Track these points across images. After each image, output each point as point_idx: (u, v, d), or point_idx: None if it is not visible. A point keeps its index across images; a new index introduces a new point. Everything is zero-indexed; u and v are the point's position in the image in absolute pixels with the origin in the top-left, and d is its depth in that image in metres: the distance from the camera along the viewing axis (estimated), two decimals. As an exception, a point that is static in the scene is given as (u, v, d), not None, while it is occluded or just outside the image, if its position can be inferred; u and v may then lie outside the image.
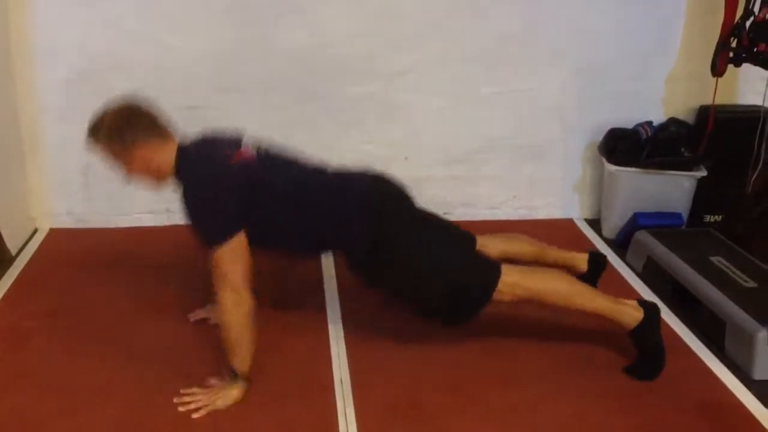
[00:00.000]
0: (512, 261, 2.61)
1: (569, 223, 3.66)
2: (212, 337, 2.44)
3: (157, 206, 3.42)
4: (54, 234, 3.34)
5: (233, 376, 2.18)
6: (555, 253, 2.78)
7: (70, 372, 2.33)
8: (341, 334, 2.59)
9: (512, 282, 2.33)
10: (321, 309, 2.75)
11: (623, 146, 3.36)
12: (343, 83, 3.32)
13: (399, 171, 3.48)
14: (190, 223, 2.23)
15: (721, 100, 3.30)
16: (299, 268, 2.97)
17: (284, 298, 2.78)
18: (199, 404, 2.15)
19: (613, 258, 3.19)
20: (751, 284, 2.72)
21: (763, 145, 3.15)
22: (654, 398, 2.29)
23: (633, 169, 3.34)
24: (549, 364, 2.45)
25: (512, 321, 2.59)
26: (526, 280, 2.36)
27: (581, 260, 2.77)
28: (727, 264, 2.86)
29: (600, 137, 3.47)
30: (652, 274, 3.06)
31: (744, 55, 3.08)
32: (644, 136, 3.33)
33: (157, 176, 2.29)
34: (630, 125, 3.43)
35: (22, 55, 3.11)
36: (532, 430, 2.15)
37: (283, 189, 2.32)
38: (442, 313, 2.43)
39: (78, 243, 3.25)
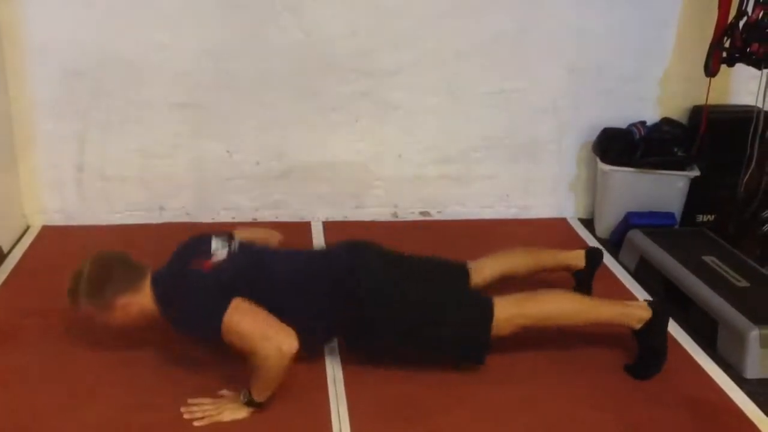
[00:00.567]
0: (510, 278, 2.61)
1: (563, 222, 3.66)
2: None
3: (150, 204, 3.42)
4: (46, 231, 3.33)
5: (249, 401, 2.13)
6: (551, 257, 2.77)
7: (61, 370, 2.33)
8: (334, 332, 2.58)
9: (507, 316, 2.30)
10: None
11: (617, 146, 3.37)
12: (336, 81, 3.31)
13: (392, 169, 3.52)
14: (192, 335, 2.25)
15: (714, 100, 3.31)
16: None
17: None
18: (206, 414, 2.12)
19: (606, 257, 3.17)
20: (744, 284, 2.73)
21: (756, 145, 3.16)
22: (646, 397, 2.29)
23: (626, 168, 3.34)
24: (541, 363, 2.45)
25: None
26: (524, 309, 2.33)
27: (578, 257, 2.76)
28: (720, 263, 2.87)
29: (594, 137, 3.48)
30: (645, 273, 3.06)
31: (737, 55, 3.09)
32: (638, 136, 3.34)
33: (141, 321, 2.27)
34: (624, 125, 3.43)
35: (15, 52, 3.10)
36: (524, 428, 2.15)
37: (260, 284, 2.26)
38: (453, 362, 2.39)
39: (70, 240, 3.24)
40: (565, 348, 2.51)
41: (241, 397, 2.14)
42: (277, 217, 3.48)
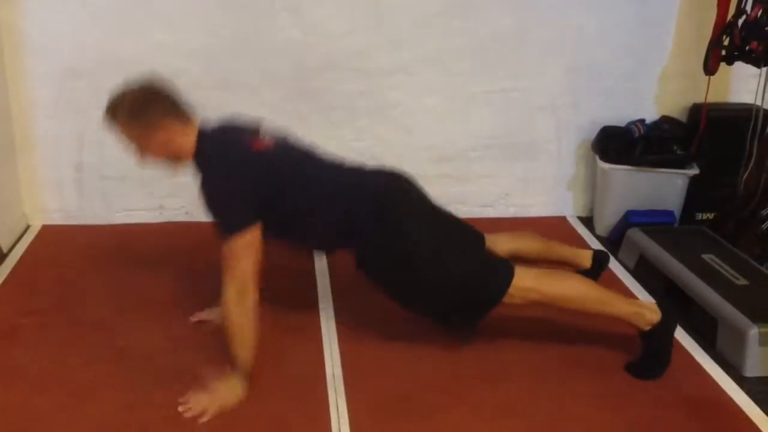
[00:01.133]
0: (519, 258, 2.61)
1: (562, 221, 3.67)
2: (205, 336, 2.45)
3: (150, 203, 3.42)
4: (46, 231, 3.33)
5: (233, 371, 2.15)
6: (560, 250, 2.79)
7: (61, 369, 2.33)
8: (334, 329, 2.59)
9: (526, 287, 2.30)
10: (314, 304, 2.75)
11: (616, 144, 3.37)
12: (335, 81, 3.31)
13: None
14: (207, 209, 2.21)
15: (713, 98, 3.31)
16: (292, 263, 2.96)
17: (277, 293, 2.76)
18: (204, 407, 2.12)
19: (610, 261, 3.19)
20: (743, 282, 2.73)
21: (755, 143, 3.16)
22: (645, 396, 2.29)
23: (626, 167, 3.34)
24: (540, 361, 2.45)
25: (504, 319, 2.58)
26: (543, 284, 2.33)
27: (585, 257, 2.78)
28: (719, 262, 2.87)
29: (593, 135, 3.48)
30: (644, 271, 3.06)
31: (736, 53, 3.09)
32: (637, 134, 3.34)
33: (174, 159, 2.26)
34: (623, 123, 3.44)
35: (14, 51, 3.10)
36: (522, 427, 2.15)
37: (300, 180, 2.30)
38: (450, 313, 2.39)
39: (70, 240, 3.24)
40: (565, 347, 2.51)
41: (228, 371, 2.15)
42: (276, 217, 3.48)
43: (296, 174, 2.31)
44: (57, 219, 3.38)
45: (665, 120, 3.46)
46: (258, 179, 2.20)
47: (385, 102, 3.38)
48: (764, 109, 3.17)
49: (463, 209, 3.56)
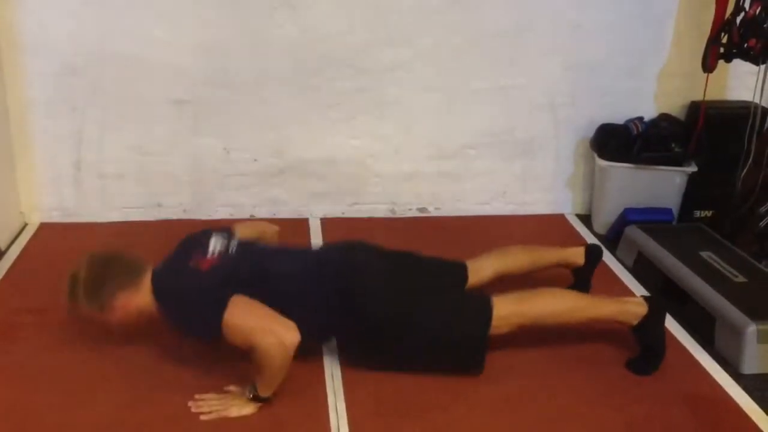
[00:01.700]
0: (509, 276, 2.61)
1: (560, 218, 3.66)
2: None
3: (148, 201, 3.42)
4: (44, 229, 3.33)
5: (255, 396, 2.14)
6: (551, 255, 2.76)
7: (59, 368, 2.32)
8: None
9: (506, 314, 2.29)
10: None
11: (614, 142, 3.37)
12: (333, 78, 3.31)
13: (389, 166, 3.52)
14: (190, 335, 2.24)
15: (711, 96, 3.31)
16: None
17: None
18: (213, 409, 2.13)
19: (603, 253, 3.19)
20: (741, 279, 2.73)
21: (754, 141, 3.16)
22: (643, 392, 2.29)
23: (624, 164, 3.35)
24: (539, 359, 2.45)
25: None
26: (524, 306, 2.33)
27: (578, 254, 2.77)
28: (717, 259, 2.87)
29: (591, 133, 3.48)
30: (642, 269, 3.07)
31: (734, 51, 3.09)
32: (635, 132, 3.34)
33: (141, 319, 2.26)
34: (621, 121, 3.44)
35: (11, 49, 3.09)
36: (520, 425, 2.15)
37: (256, 281, 2.25)
38: (449, 363, 2.36)
39: (68, 238, 3.23)
40: (562, 344, 2.51)
41: (247, 393, 2.14)
42: (274, 214, 3.47)
43: (252, 278, 2.27)
44: (55, 217, 3.38)
45: (663, 118, 3.46)
46: (216, 293, 2.16)
47: (383, 99, 3.38)
48: (762, 107, 3.18)
49: (460, 207, 3.59)
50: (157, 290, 2.22)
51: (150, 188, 3.40)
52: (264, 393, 2.13)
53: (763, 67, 3.05)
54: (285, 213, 3.50)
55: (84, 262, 2.25)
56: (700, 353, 2.53)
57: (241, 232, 2.48)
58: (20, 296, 2.75)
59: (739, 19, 3.05)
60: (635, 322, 2.36)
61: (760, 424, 2.17)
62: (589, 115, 3.49)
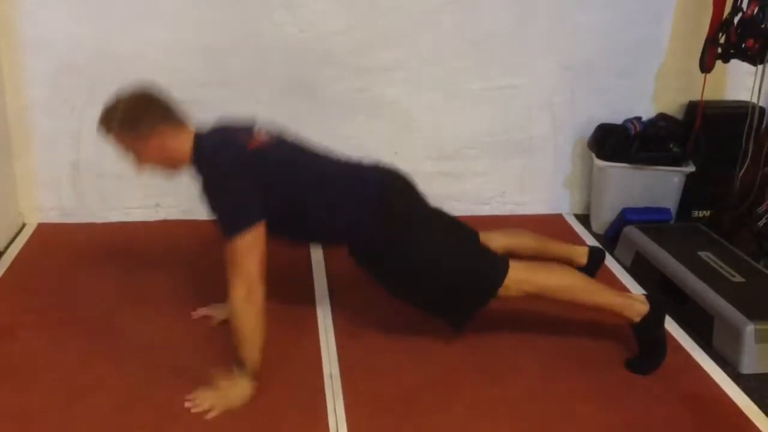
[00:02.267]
0: (513, 255, 2.61)
1: (558, 218, 3.67)
2: (202, 333, 2.44)
3: (146, 201, 3.42)
4: (43, 229, 3.33)
5: (240, 371, 2.15)
6: (555, 247, 2.80)
7: (58, 367, 2.32)
8: (331, 327, 2.59)
9: (520, 278, 2.32)
10: (311, 303, 2.75)
11: (612, 142, 3.37)
12: (332, 78, 3.31)
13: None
14: (210, 211, 2.21)
15: (709, 95, 3.31)
16: (288, 260, 2.95)
17: (273, 291, 2.75)
18: (211, 405, 2.12)
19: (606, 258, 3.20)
20: (739, 279, 2.74)
21: (751, 141, 3.16)
22: (642, 393, 2.30)
23: (622, 164, 3.35)
24: (537, 359, 2.45)
25: (500, 316, 2.59)
26: (535, 275, 2.36)
27: (581, 254, 2.79)
28: (715, 259, 2.87)
29: (589, 133, 3.49)
30: (640, 269, 3.07)
31: (732, 51, 3.10)
32: (633, 132, 3.34)
33: (171, 165, 2.27)
34: (619, 121, 3.44)
35: (10, 48, 3.09)
36: (519, 425, 2.15)
37: (297, 174, 2.29)
38: (446, 306, 2.39)
39: (67, 238, 3.24)
40: (559, 345, 2.52)
41: (235, 371, 2.15)
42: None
43: (293, 168, 2.30)
44: (53, 217, 3.38)
45: (661, 117, 3.46)
46: (256, 176, 2.20)
47: (382, 99, 3.38)
48: (760, 107, 3.18)
49: (459, 206, 3.58)
50: (199, 155, 2.21)
51: (148, 189, 3.40)
52: (250, 364, 2.13)
53: (760, 67, 3.06)
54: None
55: (128, 90, 2.21)
56: (699, 353, 2.53)
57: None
58: (18, 296, 2.74)
59: (737, 19, 3.05)
60: (637, 319, 2.37)
61: (759, 424, 2.18)
62: (587, 114, 3.50)
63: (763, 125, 3.23)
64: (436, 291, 2.36)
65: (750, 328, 2.43)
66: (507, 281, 2.31)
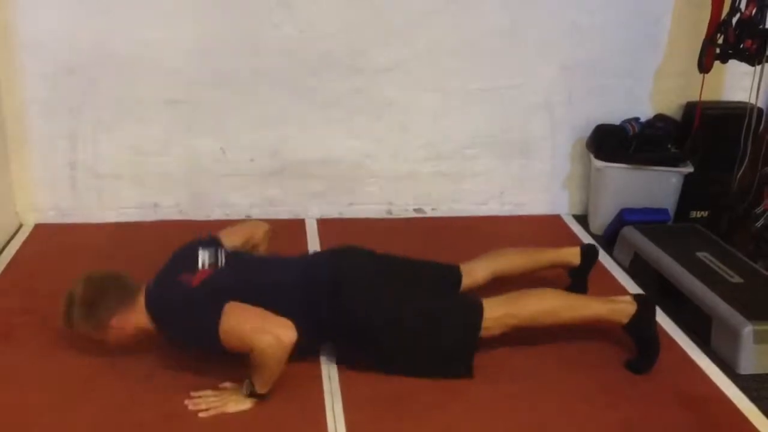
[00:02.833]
0: (504, 278, 2.61)
1: (557, 219, 3.67)
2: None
3: (144, 201, 3.41)
4: (40, 229, 3.32)
5: (252, 393, 2.14)
6: (546, 256, 2.76)
7: (53, 368, 2.32)
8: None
9: (498, 315, 2.31)
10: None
11: (610, 142, 3.37)
12: (330, 78, 3.31)
13: (386, 167, 3.51)
14: (189, 345, 2.26)
15: (707, 96, 3.31)
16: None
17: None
18: (210, 405, 2.13)
19: (600, 254, 3.18)
20: (737, 279, 2.73)
21: (749, 141, 3.16)
22: (640, 393, 2.29)
23: (620, 165, 3.35)
24: (534, 359, 2.45)
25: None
26: (514, 307, 2.34)
27: (574, 255, 2.77)
28: (713, 260, 2.87)
29: (587, 133, 3.49)
30: (639, 269, 3.07)
31: (730, 51, 3.10)
32: (631, 132, 3.34)
33: (138, 337, 2.28)
34: (617, 121, 3.44)
35: (7, 49, 3.08)
36: (517, 425, 2.15)
37: (247, 292, 2.24)
38: (439, 366, 2.34)
39: (64, 238, 3.23)
40: (558, 345, 2.51)
41: (244, 389, 2.15)
42: (271, 215, 3.47)
43: (241, 290, 2.25)
44: (50, 217, 3.37)
45: (659, 118, 3.46)
46: (209, 304, 2.17)
47: (380, 99, 3.38)
48: (758, 108, 3.18)
49: (457, 207, 3.59)
50: (151, 308, 2.23)
51: (146, 188, 3.39)
52: (261, 390, 2.13)
53: (758, 67, 3.05)
54: (282, 213, 3.49)
55: (79, 284, 2.26)
56: (697, 353, 2.53)
57: (229, 240, 2.50)
58: (15, 297, 2.74)
59: (735, 20, 3.05)
60: (626, 321, 2.37)
61: (757, 424, 2.17)
62: (585, 115, 3.49)
63: (761, 126, 3.23)
64: (421, 359, 2.33)
65: (748, 329, 2.43)
66: (485, 323, 2.29)
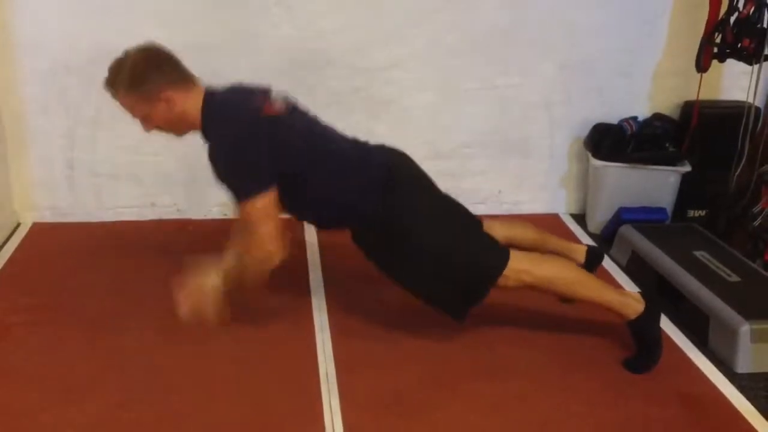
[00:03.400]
0: (513, 246, 2.61)
1: (555, 218, 3.67)
2: (199, 333, 2.43)
3: (141, 200, 3.41)
4: (37, 228, 3.32)
5: (218, 268, 2.15)
6: (555, 243, 2.79)
7: (51, 367, 2.32)
8: (326, 326, 2.59)
9: (520, 269, 2.32)
10: (306, 301, 2.74)
11: (608, 141, 3.38)
12: (328, 77, 3.31)
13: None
14: (218, 177, 2.18)
15: (705, 95, 3.32)
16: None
17: (267, 289, 2.75)
18: (190, 297, 2.17)
19: (604, 259, 3.20)
20: (734, 278, 2.74)
21: (747, 141, 3.17)
22: (638, 392, 2.30)
23: (618, 164, 3.35)
24: (534, 358, 2.45)
25: (498, 315, 2.59)
26: (535, 267, 2.35)
27: (579, 252, 2.78)
28: (711, 259, 2.88)
29: (585, 132, 3.49)
30: (636, 268, 3.07)
31: (728, 50, 3.10)
32: (629, 132, 3.35)
33: (180, 125, 2.23)
34: (615, 120, 3.44)
35: (5, 47, 3.08)
36: (516, 423, 2.15)
37: (308, 149, 2.25)
38: (446, 295, 2.37)
39: (61, 237, 3.23)
40: (558, 344, 2.52)
41: (212, 265, 2.17)
42: (269, 214, 3.47)
43: (304, 143, 2.26)
44: (48, 216, 3.37)
45: (657, 117, 3.47)
46: (267, 143, 2.15)
47: (378, 98, 3.38)
48: (756, 107, 3.19)
49: (456, 206, 3.58)
50: (209, 116, 2.17)
51: (143, 188, 3.39)
52: (224, 285, 2.15)
53: (756, 67, 3.06)
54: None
55: (136, 48, 2.17)
56: (694, 353, 2.53)
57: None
58: (13, 296, 2.74)
59: (732, 19, 3.06)
60: (633, 317, 2.37)
61: (754, 423, 2.18)
62: (583, 114, 3.50)
63: (759, 125, 3.23)
64: (436, 276, 2.34)
65: (745, 328, 2.43)
66: (507, 271, 2.30)
